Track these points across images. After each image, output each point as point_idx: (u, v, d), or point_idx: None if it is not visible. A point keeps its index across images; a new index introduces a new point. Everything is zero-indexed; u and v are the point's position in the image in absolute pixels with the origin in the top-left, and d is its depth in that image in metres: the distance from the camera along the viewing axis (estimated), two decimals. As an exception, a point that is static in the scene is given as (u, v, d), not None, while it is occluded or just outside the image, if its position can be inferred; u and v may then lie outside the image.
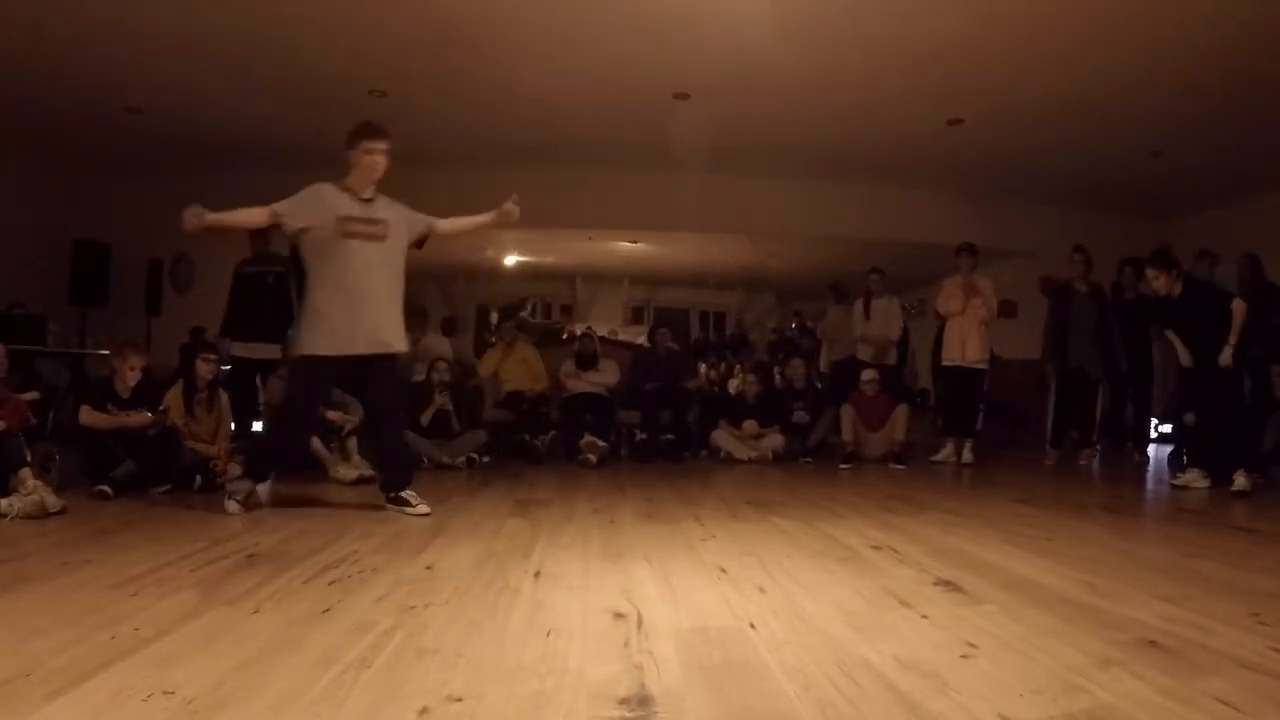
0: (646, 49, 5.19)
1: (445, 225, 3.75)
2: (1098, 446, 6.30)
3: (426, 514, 3.48)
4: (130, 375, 4.20)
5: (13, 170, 7.03)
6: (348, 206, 3.43)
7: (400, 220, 3.57)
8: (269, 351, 5.48)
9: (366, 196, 3.49)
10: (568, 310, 13.92)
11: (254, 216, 3.39)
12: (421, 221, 3.68)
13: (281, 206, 3.39)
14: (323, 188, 3.44)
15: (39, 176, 7.28)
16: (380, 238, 3.47)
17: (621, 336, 10.89)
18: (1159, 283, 4.80)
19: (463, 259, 11.04)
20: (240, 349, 5.56)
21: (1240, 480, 4.38)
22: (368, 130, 3.47)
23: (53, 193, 7.37)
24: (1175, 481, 4.83)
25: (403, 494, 3.57)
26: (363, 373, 3.58)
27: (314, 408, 3.83)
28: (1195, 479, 4.71)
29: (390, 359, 3.58)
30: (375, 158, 3.45)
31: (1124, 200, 8.30)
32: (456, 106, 6.31)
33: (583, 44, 5.14)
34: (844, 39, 4.98)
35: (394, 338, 3.55)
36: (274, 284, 5.72)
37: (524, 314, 9.36)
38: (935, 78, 5.49)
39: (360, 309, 3.42)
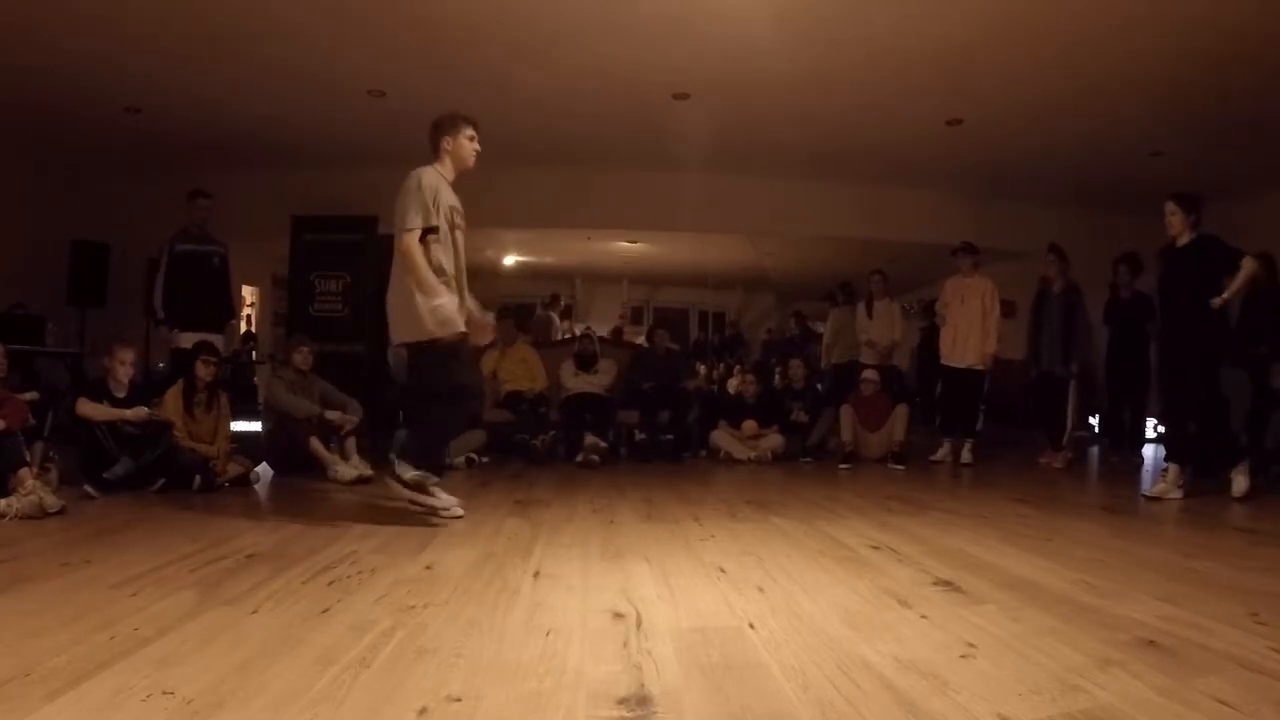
0: (646, 49, 5.18)
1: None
2: (1068, 451, 6.07)
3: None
4: (122, 370, 4.20)
5: (13, 170, 7.02)
6: (451, 197, 3.39)
7: None
8: (213, 341, 5.11)
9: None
10: (568, 310, 13.91)
11: (419, 257, 3.20)
12: None
13: (416, 220, 3.21)
14: (434, 176, 3.33)
15: (39, 176, 7.27)
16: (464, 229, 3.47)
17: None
18: (1174, 219, 4.35)
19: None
20: (190, 339, 4.99)
21: (1240, 483, 4.27)
22: (465, 117, 3.46)
23: (53, 193, 7.36)
24: (1148, 493, 4.35)
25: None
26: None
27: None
28: (1169, 488, 4.22)
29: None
30: (475, 144, 3.47)
31: (1124, 200, 8.29)
32: (456, 107, 6.28)
33: (583, 44, 5.13)
34: (844, 39, 4.97)
35: None
36: (219, 266, 5.50)
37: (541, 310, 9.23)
38: (935, 78, 5.49)
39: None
